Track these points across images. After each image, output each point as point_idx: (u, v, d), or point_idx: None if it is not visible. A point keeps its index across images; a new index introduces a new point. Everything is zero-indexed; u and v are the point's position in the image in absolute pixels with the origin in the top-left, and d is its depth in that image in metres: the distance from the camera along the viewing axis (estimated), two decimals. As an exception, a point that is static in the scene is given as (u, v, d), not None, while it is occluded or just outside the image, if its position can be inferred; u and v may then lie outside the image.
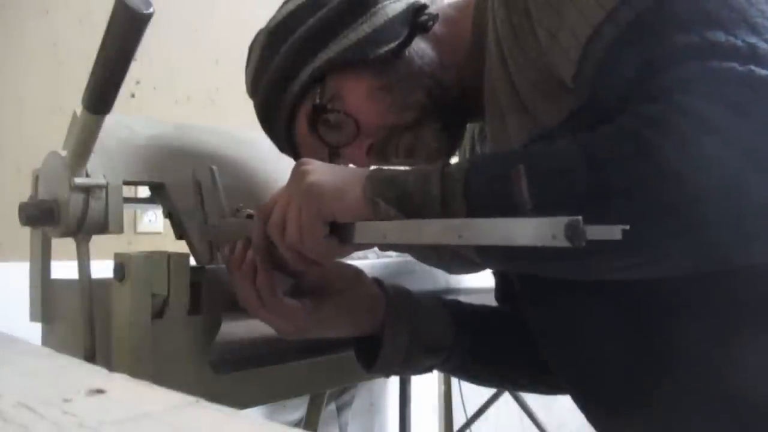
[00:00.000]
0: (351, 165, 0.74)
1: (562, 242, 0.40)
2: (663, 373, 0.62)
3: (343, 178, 0.58)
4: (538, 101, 0.60)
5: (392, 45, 0.70)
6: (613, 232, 0.40)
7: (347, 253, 0.62)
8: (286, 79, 0.72)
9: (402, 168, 0.59)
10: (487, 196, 0.52)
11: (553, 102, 0.59)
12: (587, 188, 0.48)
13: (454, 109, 0.73)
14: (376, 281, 0.75)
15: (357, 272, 0.74)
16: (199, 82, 1.84)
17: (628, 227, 0.39)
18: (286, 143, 0.77)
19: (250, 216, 0.67)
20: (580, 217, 0.40)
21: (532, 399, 1.77)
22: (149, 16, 0.56)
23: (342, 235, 0.57)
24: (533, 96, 0.61)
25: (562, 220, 0.40)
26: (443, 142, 0.73)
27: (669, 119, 0.47)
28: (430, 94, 0.71)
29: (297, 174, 0.60)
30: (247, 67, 0.78)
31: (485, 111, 0.69)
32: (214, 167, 0.70)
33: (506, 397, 1.74)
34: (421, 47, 0.71)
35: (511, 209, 0.44)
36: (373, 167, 0.61)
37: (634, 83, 0.52)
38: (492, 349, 0.81)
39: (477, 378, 0.86)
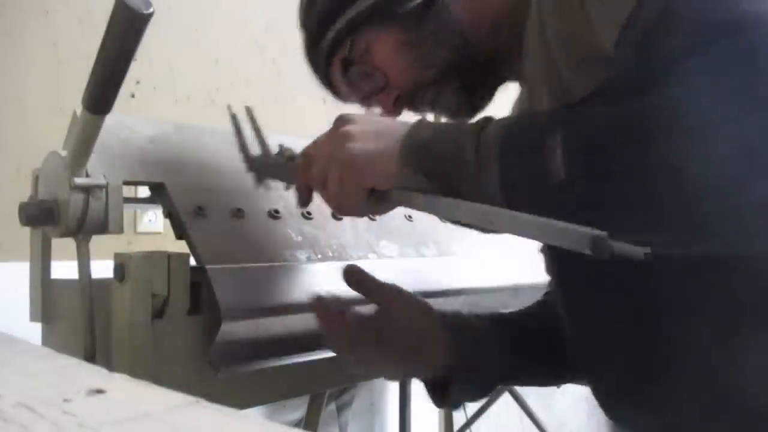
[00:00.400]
0: (385, 116, 0.76)
1: (586, 251, 0.43)
2: (662, 370, 0.62)
3: (381, 142, 0.59)
4: (571, 70, 0.60)
5: None
6: (637, 252, 0.43)
7: (384, 212, 0.65)
8: (323, 27, 0.74)
9: (441, 125, 0.60)
10: (521, 164, 0.53)
11: (583, 73, 0.59)
12: (582, 171, 0.49)
13: (480, 69, 0.73)
14: (443, 320, 0.76)
15: (434, 324, 0.75)
16: (199, 82, 1.84)
17: (649, 251, 0.41)
18: (325, 82, 0.79)
19: (290, 158, 0.69)
20: (605, 234, 0.42)
21: (532, 399, 1.77)
22: (149, 16, 0.56)
23: (380, 196, 0.61)
24: (567, 64, 0.60)
25: (588, 234, 0.43)
26: (463, 100, 0.74)
27: (670, 113, 0.47)
28: (456, 52, 0.71)
29: (338, 134, 0.61)
30: (300, 2, 0.80)
31: (523, 73, 0.69)
32: (251, 107, 0.72)
33: (506, 397, 1.74)
34: (452, 3, 0.71)
35: (544, 177, 0.47)
36: (412, 124, 0.61)
37: (655, 68, 0.52)
38: (534, 368, 0.83)
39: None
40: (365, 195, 0.61)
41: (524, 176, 0.51)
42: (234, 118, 0.73)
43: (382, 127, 0.62)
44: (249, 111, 0.72)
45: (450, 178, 0.55)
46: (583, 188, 0.50)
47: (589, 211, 0.51)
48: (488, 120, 0.57)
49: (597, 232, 0.43)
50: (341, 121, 0.63)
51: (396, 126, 0.62)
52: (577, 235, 0.44)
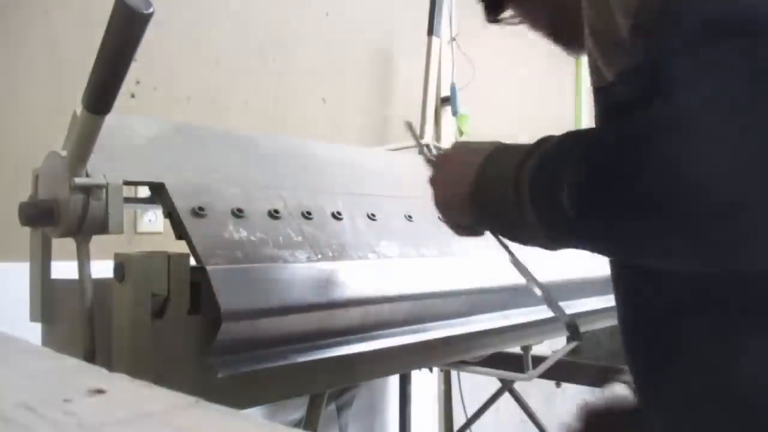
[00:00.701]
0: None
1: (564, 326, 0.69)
2: (666, 370, 0.63)
3: (460, 187, 0.68)
4: (599, 55, 0.61)
5: None
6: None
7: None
8: None
9: (498, 165, 0.65)
10: (548, 204, 0.57)
11: (609, 58, 0.60)
12: (588, 208, 0.53)
13: (575, 29, 0.76)
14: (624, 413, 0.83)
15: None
16: (199, 82, 1.84)
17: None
18: None
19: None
20: (577, 325, 0.67)
21: (532, 399, 1.78)
22: (149, 16, 0.56)
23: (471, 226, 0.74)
24: (596, 49, 0.61)
25: (564, 318, 0.69)
26: (574, 52, 0.79)
27: (675, 123, 0.48)
28: (552, 23, 0.76)
29: (431, 180, 0.73)
30: None
31: None
32: (409, 122, 0.89)
33: (506, 397, 1.74)
34: None
35: (562, 217, 0.54)
36: (480, 162, 0.66)
37: (656, 66, 0.52)
38: None
39: None
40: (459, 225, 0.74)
41: (552, 216, 0.56)
42: (410, 126, 0.90)
43: (459, 170, 0.69)
44: (410, 125, 0.89)
45: (502, 213, 0.63)
46: (590, 224, 0.54)
47: (603, 243, 0.56)
48: (538, 147, 0.60)
49: (572, 321, 0.67)
50: (432, 165, 0.74)
51: (472, 166, 0.67)
52: (561, 313, 0.69)
